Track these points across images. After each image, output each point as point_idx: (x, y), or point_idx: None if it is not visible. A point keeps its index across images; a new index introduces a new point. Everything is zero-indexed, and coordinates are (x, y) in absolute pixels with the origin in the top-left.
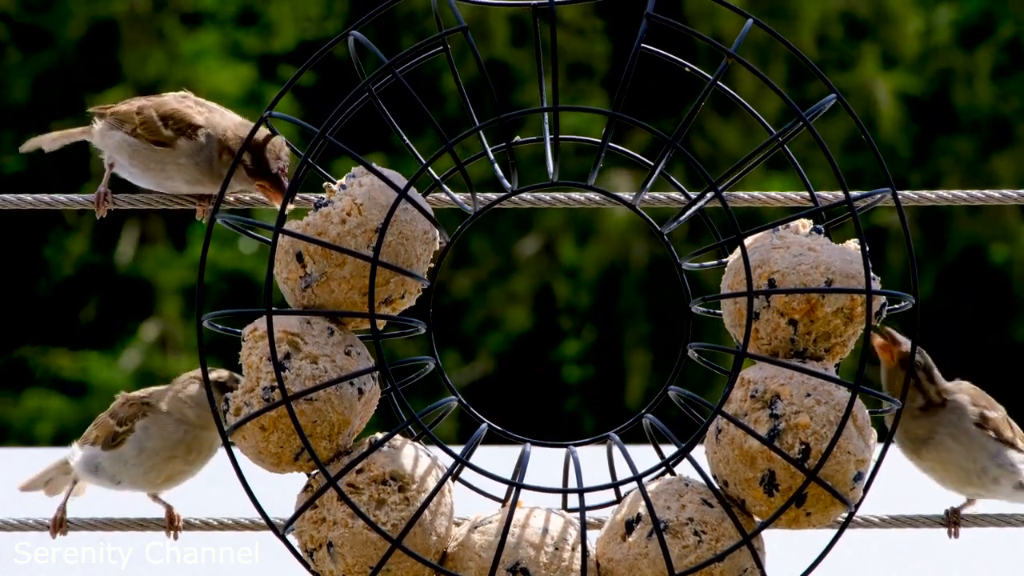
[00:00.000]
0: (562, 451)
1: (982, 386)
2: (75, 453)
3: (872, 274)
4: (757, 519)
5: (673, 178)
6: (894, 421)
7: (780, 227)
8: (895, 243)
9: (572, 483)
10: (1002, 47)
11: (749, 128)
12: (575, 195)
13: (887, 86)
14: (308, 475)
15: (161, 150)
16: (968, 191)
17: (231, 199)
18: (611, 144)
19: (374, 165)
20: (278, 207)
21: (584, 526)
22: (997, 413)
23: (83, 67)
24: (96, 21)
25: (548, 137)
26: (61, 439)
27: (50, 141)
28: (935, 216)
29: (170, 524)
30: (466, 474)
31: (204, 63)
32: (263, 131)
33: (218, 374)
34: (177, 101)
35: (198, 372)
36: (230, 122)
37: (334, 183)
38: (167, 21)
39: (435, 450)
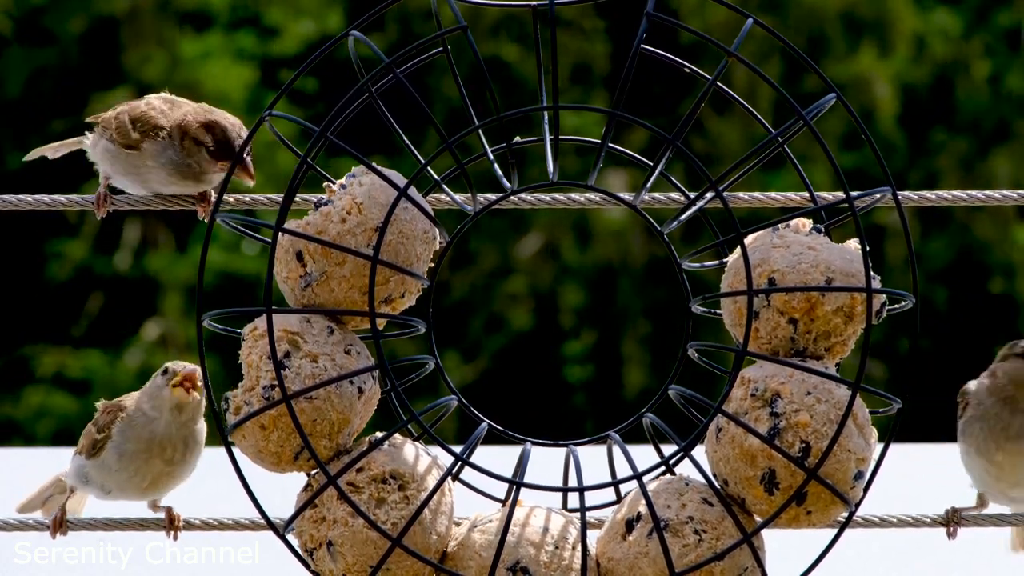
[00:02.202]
0: (562, 450)
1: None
2: (68, 465)
3: (872, 273)
4: (757, 518)
5: (673, 178)
6: (894, 422)
7: (780, 226)
8: (894, 241)
9: (572, 482)
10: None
11: (747, 124)
12: (575, 195)
13: (884, 78)
14: (308, 474)
15: (132, 153)
16: (968, 191)
17: (231, 199)
18: (611, 144)
19: (374, 164)
20: (249, 183)
21: (584, 525)
22: None
23: (85, 66)
24: (97, 17)
25: (548, 137)
26: (63, 438)
27: (52, 150)
28: (934, 215)
29: (170, 524)
30: (466, 473)
31: (207, 65)
32: (215, 115)
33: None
34: (147, 103)
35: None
36: (187, 108)
37: (334, 183)
38: (169, 23)
39: (435, 449)
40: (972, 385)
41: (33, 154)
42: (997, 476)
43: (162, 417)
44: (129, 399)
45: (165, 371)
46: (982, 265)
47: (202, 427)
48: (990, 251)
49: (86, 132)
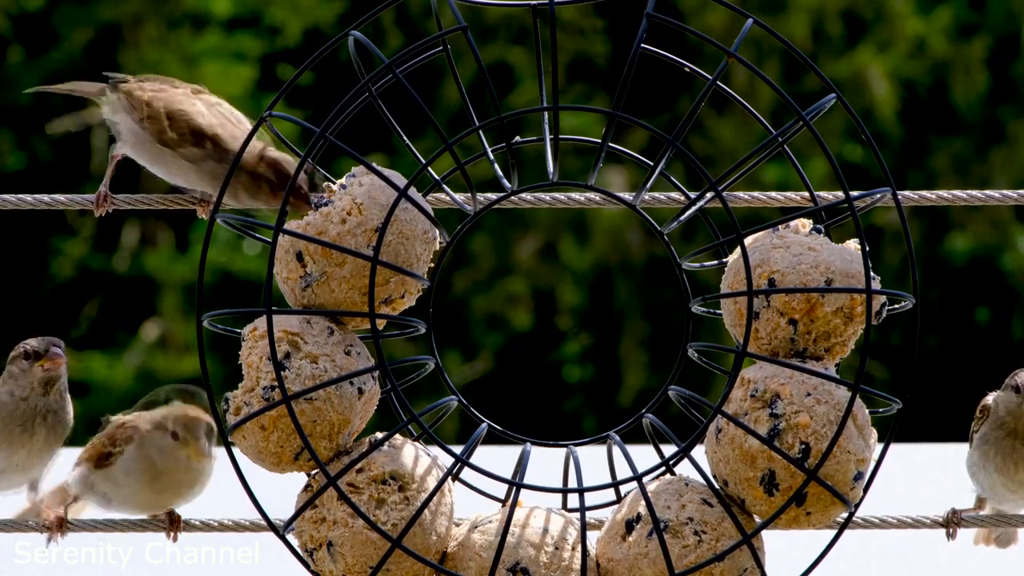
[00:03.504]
0: (562, 451)
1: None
2: (71, 472)
3: (872, 273)
4: (757, 519)
5: (672, 177)
6: (894, 422)
7: (780, 227)
8: (892, 241)
9: (572, 483)
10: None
11: (745, 123)
12: (575, 195)
13: (883, 76)
14: (308, 475)
15: (165, 150)
16: (968, 191)
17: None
18: (611, 144)
19: (374, 165)
20: (308, 209)
21: (584, 526)
22: None
23: (83, 67)
24: (97, 20)
25: (548, 137)
26: None
27: (66, 89)
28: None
29: (171, 525)
30: (466, 474)
31: (206, 64)
32: (260, 146)
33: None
34: (187, 99)
35: (175, 411)
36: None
37: (334, 183)
38: (168, 23)
39: (435, 450)
40: (991, 400)
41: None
42: (1014, 490)
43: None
44: (141, 420)
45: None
46: (984, 266)
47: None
48: (993, 253)
49: (108, 89)
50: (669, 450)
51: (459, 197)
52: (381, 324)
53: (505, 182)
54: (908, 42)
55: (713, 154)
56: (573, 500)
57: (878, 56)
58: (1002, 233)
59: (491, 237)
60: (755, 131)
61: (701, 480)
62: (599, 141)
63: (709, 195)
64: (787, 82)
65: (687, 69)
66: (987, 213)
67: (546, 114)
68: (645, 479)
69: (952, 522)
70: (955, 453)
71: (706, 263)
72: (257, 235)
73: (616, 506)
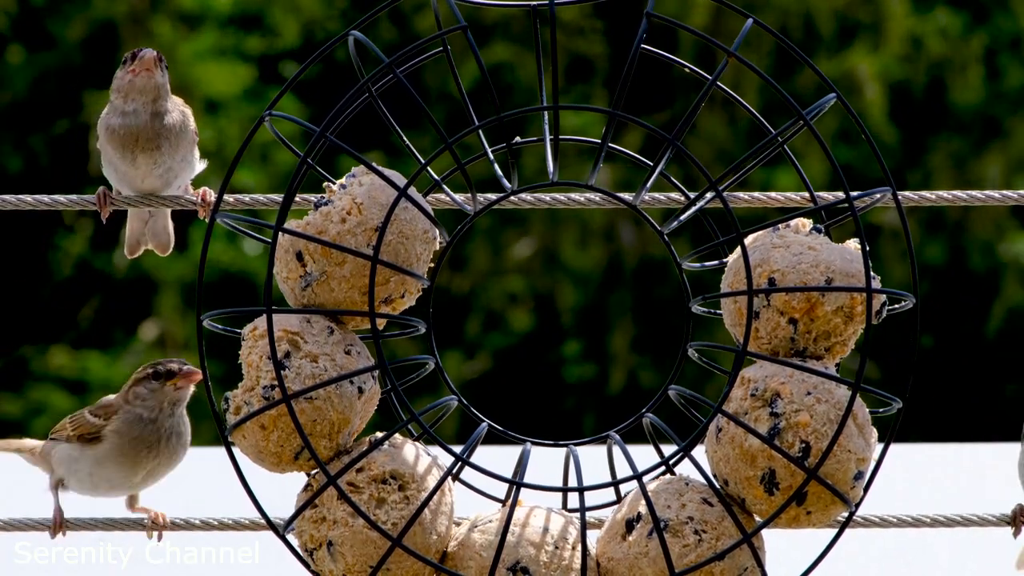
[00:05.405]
0: (562, 450)
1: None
2: (54, 447)
3: (872, 273)
4: (757, 518)
5: (672, 177)
6: (894, 422)
7: (780, 226)
8: (889, 240)
9: (572, 482)
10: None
11: (732, 119)
12: (575, 195)
13: (872, 76)
14: (308, 474)
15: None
16: (968, 192)
17: (231, 199)
18: (611, 144)
19: (374, 164)
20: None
21: (584, 525)
22: None
23: (82, 68)
24: (95, 19)
25: (548, 137)
26: None
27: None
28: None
29: (153, 524)
30: (466, 473)
31: (203, 65)
32: None
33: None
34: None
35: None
36: None
37: (334, 182)
38: (166, 23)
39: (435, 449)
40: None
41: None
42: None
43: (161, 414)
44: (114, 397)
45: (157, 374)
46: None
47: (186, 418)
48: (985, 251)
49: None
50: (669, 450)
51: (459, 197)
52: (381, 324)
53: (505, 182)
54: (902, 42)
55: (704, 151)
56: (573, 499)
57: (870, 56)
58: (998, 228)
59: (490, 237)
60: (743, 127)
61: (701, 479)
62: (599, 141)
63: (709, 195)
64: (776, 80)
65: (687, 69)
66: (984, 210)
67: (546, 114)
68: (645, 478)
69: (1021, 519)
70: (955, 453)
71: (706, 263)
72: (257, 235)
73: (616, 505)
